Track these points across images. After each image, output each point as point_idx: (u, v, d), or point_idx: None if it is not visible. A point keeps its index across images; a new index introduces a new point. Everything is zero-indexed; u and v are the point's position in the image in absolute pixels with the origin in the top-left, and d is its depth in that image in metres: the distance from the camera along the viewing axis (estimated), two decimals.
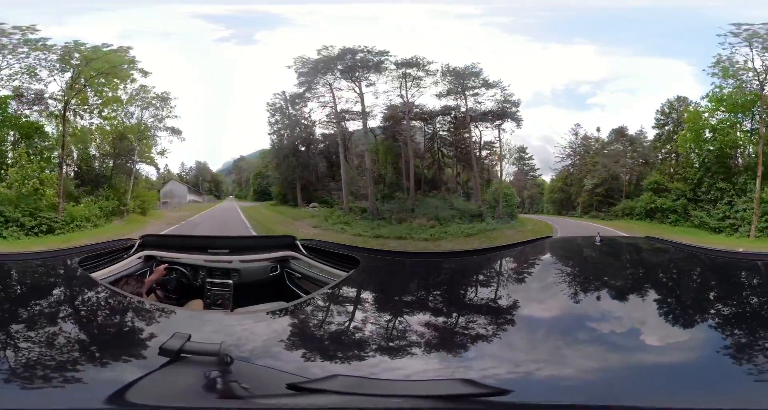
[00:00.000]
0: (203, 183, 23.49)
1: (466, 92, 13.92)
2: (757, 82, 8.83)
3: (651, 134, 12.95)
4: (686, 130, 10.27)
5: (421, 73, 13.99)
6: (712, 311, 1.64)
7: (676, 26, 13.95)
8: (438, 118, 14.90)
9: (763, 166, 8.48)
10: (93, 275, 2.05)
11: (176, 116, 16.00)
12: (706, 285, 2.06)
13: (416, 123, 15.14)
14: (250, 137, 25.97)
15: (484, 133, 14.79)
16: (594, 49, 15.68)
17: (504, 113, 13.76)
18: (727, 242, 8.82)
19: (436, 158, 15.42)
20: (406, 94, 14.38)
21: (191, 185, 22.75)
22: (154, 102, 15.55)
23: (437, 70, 13.80)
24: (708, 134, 9.68)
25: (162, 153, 17.16)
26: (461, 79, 13.79)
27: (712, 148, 9.41)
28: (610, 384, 1.10)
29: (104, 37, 15.23)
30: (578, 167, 14.02)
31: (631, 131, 13.33)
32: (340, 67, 14.21)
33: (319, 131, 17.97)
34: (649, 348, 1.29)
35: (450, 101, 14.41)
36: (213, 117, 21.23)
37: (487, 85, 13.82)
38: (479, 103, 14.03)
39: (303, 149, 18.56)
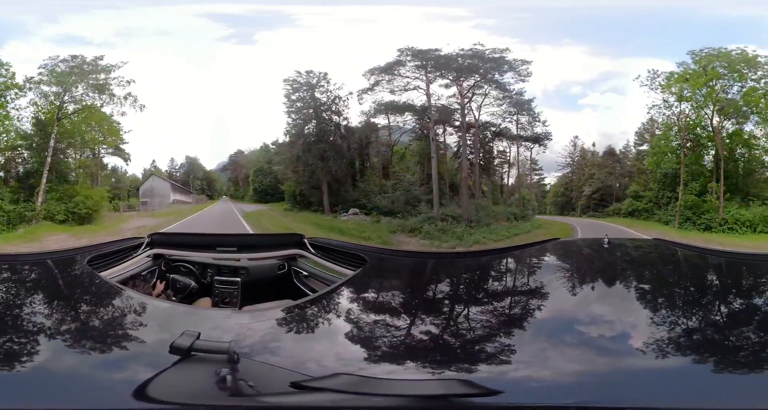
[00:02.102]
0: (194, 181, 20.24)
1: (519, 117, 15.51)
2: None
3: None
4: (649, 155, 14.32)
5: (496, 93, 14.52)
6: (717, 313, 1.63)
7: (663, 25, 14.29)
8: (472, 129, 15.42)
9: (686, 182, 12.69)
10: (102, 274, 2.06)
11: (127, 82, 12.88)
12: (712, 287, 2.04)
13: (451, 130, 15.58)
14: (250, 133, 23.62)
15: (500, 145, 16.73)
16: (582, 50, 16.10)
17: (537, 139, 16.13)
18: (665, 229, 13.19)
19: (463, 166, 16.11)
20: (480, 107, 14.78)
21: (180, 183, 19.40)
22: (88, 72, 12.61)
23: (510, 96, 14.72)
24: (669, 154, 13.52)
25: (115, 134, 14.12)
26: (519, 107, 15.22)
27: (663, 170, 13.67)
28: (603, 386, 1.10)
29: (102, 35, 15.19)
30: (577, 174, 17.38)
31: (624, 136, 16.76)
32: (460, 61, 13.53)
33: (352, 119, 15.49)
34: (644, 350, 1.29)
35: (497, 119, 15.55)
36: (209, 115, 19.63)
37: (536, 118, 15.50)
38: (525, 130, 15.90)
39: (334, 138, 15.28)
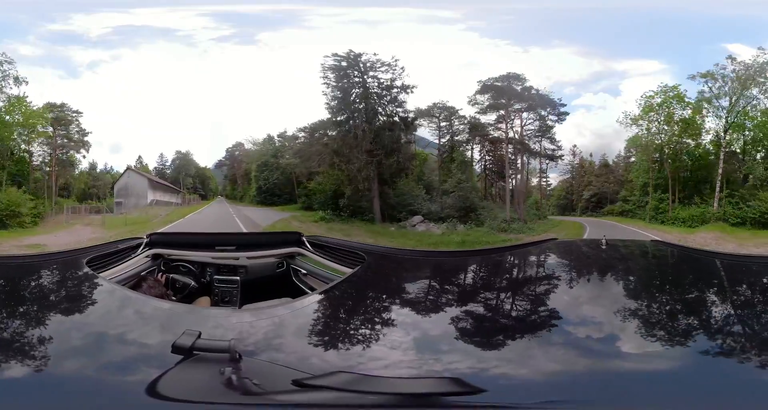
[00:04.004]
0: (185, 178, 17.94)
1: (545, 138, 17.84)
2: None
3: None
4: (634, 168, 18.03)
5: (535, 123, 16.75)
6: (711, 314, 1.64)
7: (652, 25, 14.75)
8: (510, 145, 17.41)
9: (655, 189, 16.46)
10: (101, 274, 2.07)
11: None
12: (706, 289, 2.05)
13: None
14: (248, 131, 20.86)
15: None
16: (573, 51, 16.55)
17: (552, 157, 18.88)
18: (640, 223, 16.59)
19: (521, 177, 18.27)
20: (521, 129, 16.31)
21: (170, 181, 16.84)
22: None
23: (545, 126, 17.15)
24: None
25: (36, 117, 12.83)
26: (544, 133, 17.60)
27: (641, 182, 17.34)
28: (589, 386, 1.11)
29: (100, 33, 15.06)
30: (578, 180, 20.69)
31: (618, 135, 19.64)
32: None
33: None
34: (633, 351, 1.30)
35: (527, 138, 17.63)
36: (206, 114, 18.49)
37: (556, 144, 18.07)
38: (546, 150, 18.26)
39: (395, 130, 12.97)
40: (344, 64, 13.55)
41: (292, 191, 15.58)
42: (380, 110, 13.74)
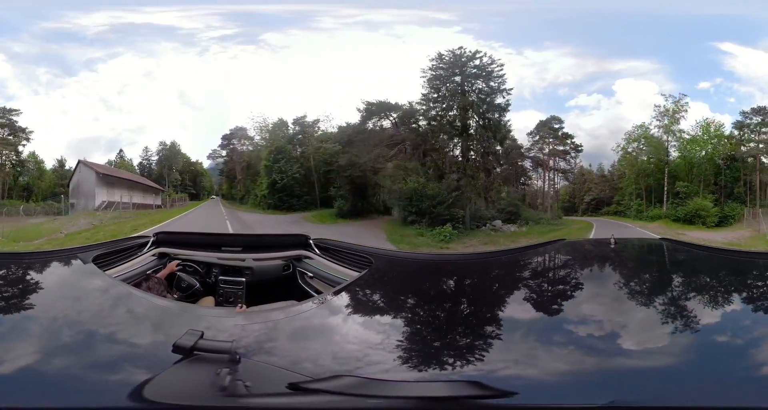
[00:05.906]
0: (172, 174, 15.47)
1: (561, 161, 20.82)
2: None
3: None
4: (624, 179, 21.82)
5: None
6: (722, 312, 1.62)
7: (646, 26, 14.77)
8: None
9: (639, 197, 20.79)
10: (107, 272, 2.07)
11: None
12: (718, 287, 2.02)
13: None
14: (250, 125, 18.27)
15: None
16: (567, 52, 16.87)
17: (565, 171, 21.70)
18: (628, 220, 20.05)
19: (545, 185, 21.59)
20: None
21: (154, 178, 14.30)
22: None
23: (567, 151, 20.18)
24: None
25: None
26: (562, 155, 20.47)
27: (630, 190, 21.31)
28: (618, 386, 1.09)
29: (98, 30, 15.12)
30: (579, 186, 23.85)
31: (614, 135, 21.41)
32: None
33: None
34: (656, 349, 1.28)
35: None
36: (203, 112, 17.32)
37: (571, 164, 20.94)
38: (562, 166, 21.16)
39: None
40: (455, 61, 13.89)
41: (311, 190, 13.18)
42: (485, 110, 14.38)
